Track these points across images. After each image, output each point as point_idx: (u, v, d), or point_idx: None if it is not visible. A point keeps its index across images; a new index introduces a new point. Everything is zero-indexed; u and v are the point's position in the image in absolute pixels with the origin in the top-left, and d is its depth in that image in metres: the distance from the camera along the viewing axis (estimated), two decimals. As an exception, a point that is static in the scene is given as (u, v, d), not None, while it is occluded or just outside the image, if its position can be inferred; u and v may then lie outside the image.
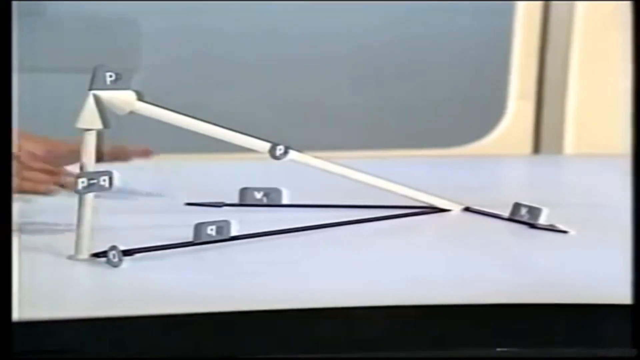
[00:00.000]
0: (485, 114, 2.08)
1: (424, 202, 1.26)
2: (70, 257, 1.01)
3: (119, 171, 1.02)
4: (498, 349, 0.88)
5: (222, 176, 1.44)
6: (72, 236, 1.01)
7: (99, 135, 1.01)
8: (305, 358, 0.86)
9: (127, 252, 1.01)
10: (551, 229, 1.18)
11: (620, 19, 2.08)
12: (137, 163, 1.34)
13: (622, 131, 2.10)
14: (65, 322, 0.85)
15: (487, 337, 0.89)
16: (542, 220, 1.20)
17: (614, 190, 1.30)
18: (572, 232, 1.17)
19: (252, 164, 1.26)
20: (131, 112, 1.03)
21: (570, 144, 2.13)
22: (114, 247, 0.99)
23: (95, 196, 1.01)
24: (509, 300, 0.92)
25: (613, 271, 1.04)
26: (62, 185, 1.25)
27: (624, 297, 0.92)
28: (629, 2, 2.03)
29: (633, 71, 0.90)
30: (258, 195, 1.27)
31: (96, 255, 1.01)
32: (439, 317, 0.90)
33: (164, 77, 1.67)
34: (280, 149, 1.11)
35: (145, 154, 1.27)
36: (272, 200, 1.27)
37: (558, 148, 2.12)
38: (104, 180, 1.00)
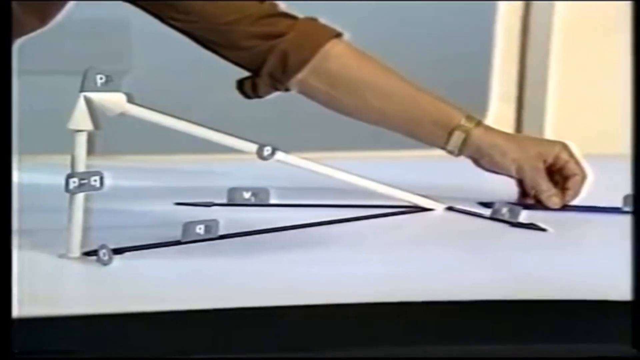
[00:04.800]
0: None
1: (407, 202, 1.25)
2: (61, 256, 1.00)
3: (110, 171, 1.01)
4: (477, 346, 0.87)
5: (212, 176, 1.43)
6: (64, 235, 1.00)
7: (90, 136, 1.00)
8: (293, 355, 0.85)
9: (117, 251, 1.00)
10: (531, 227, 1.18)
11: (601, 20, 2.08)
12: (128, 163, 1.34)
13: (601, 132, 2.10)
14: (56, 320, 0.84)
15: (466, 334, 0.88)
16: (522, 218, 1.19)
17: (591, 189, 1.30)
18: (550, 230, 1.17)
19: (241, 163, 1.25)
20: (122, 114, 1.02)
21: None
22: (104, 246, 0.98)
23: (86, 196, 1.00)
24: (489, 297, 0.92)
25: (589, 268, 1.03)
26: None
27: (601, 293, 0.92)
28: (625, 3, 2.04)
29: (633, 71, 0.89)
30: (246, 195, 1.26)
31: (87, 253, 1.00)
32: (421, 314, 0.89)
33: (155, 79, 1.66)
34: (267, 150, 1.10)
35: None
36: (260, 200, 1.26)
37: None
38: (95, 181, 0.99)
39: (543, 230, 1.17)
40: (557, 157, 1.26)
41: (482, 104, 2.10)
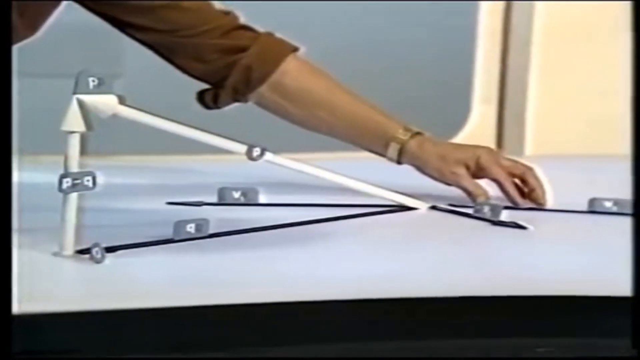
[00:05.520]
0: (450, 118, 2.08)
1: (392, 201, 1.25)
2: (55, 254, 1.00)
3: (102, 172, 1.00)
4: (468, 341, 0.87)
5: (202, 176, 1.43)
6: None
7: (83, 137, 1.00)
8: (284, 349, 0.85)
9: (110, 249, 0.99)
10: (512, 225, 1.18)
11: (582, 22, 2.08)
12: (120, 163, 1.34)
13: (579, 133, 2.11)
14: (49, 316, 0.84)
15: (445, 329, 0.88)
16: (503, 217, 1.20)
17: (570, 189, 1.30)
18: (530, 228, 1.17)
19: (231, 164, 1.25)
20: (114, 115, 1.02)
21: (530, 145, 2.13)
22: (97, 244, 0.98)
23: (80, 195, 0.99)
24: (474, 293, 0.92)
25: (568, 264, 1.04)
26: None
27: (575, 288, 0.92)
28: (605, 4, 2.04)
29: (633, 71, 0.88)
30: (236, 195, 1.26)
31: (80, 251, 1.00)
32: (404, 310, 0.89)
33: (147, 82, 1.65)
34: (256, 151, 1.10)
35: None
36: (249, 200, 1.26)
37: (519, 150, 2.12)
38: (88, 181, 0.99)
39: (524, 228, 1.17)
40: (477, 163, 1.28)
41: (466, 106, 2.10)
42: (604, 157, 1.80)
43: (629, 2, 1.99)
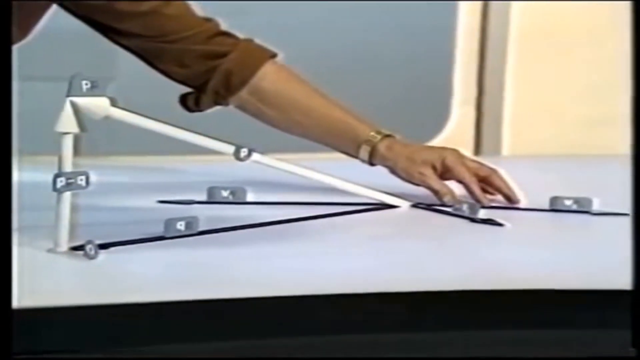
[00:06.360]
0: (430, 120, 2.09)
1: (375, 199, 1.26)
2: (49, 251, 1.00)
3: (95, 171, 1.01)
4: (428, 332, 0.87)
5: (193, 175, 1.44)
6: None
7: (77, 138, 1.00)
8: (273, 341, 0.86)
9: (103, 246, 1.00)
10: (489, 222, 1.19)
11: (558, 25, 2.09)
12: (112, 163, 1.34)
13: (556, 133, 2.12)
14: (43, 311, 0.84)
15: (429, 322, 0.89)
16: (481, 214, 1.21)
17: (544, 188, 1.31)
18: (507, 225, 1.18)
19: (220, 164, 1.25)
20: (106, 117, 1.03)
21: (507, 146, 2.14)
22: (90, 241, 0.98)
23: (74, 194, 1.00)
24: (452, 287, 0.92)
25: (542, 260, 1.05)
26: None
27: (550, 282, 0.93)
28: (581, 4, 2.05)
29: (633, 71, 0.89)
30: (225, 194, 1.27)
31: (74, 248, 1.00)
32: (388, 305, 0.90)
33: (139, 85, 1.65)
34: (244, 152, 1.10)
35: None
36: (237, 198, 1.27)
37: (497, 150, 2.13)
38: (81, 180, 0.99)
39: (500, 225, 1.18)
40: (443, 163, 1.29)
41: (446, 108, 2.11)
42: (581, 157, 1.81)
43: (606, 3, 2.01)
